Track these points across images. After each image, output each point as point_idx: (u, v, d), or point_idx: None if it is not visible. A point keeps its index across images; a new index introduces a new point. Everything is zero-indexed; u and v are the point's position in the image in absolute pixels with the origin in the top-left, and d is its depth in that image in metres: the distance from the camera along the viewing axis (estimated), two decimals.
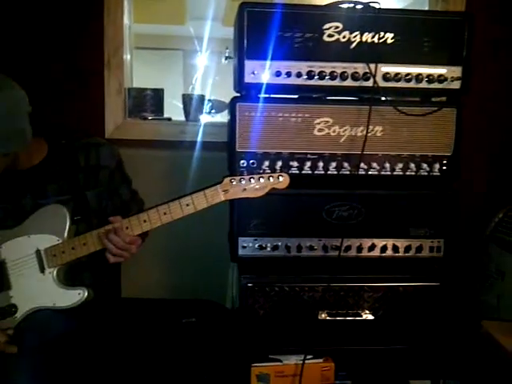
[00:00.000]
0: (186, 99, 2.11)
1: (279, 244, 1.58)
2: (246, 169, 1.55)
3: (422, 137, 1.59)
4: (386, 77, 1.55)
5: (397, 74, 1.55)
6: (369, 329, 1.59)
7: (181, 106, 2.19)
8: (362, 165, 1.57)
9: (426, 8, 2.22)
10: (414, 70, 1.55)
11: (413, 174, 1.60)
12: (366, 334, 1.59)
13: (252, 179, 1.39)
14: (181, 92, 2.25)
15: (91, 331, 1.50)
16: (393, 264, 1.62)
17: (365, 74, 1.54)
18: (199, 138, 2.06)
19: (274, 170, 1.55)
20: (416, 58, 1.55)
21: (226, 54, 3.27)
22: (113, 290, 1.77)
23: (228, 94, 2.35)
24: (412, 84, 1.56)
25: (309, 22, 1.52)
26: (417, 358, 1.68)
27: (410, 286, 1.59)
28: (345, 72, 1.53)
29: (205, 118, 2.29)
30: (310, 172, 1.57)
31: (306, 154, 1.57)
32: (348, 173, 1.57)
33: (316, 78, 1.53)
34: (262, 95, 1.54)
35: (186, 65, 4.63)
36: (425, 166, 1.60)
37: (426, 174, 1.60)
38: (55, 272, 1.40)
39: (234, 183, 1.39)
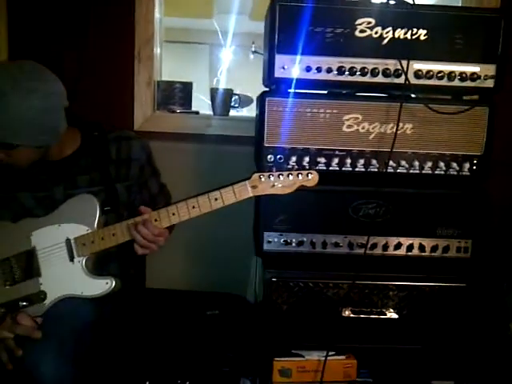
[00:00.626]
0: (214, 93, 2.11)
1: (304, 240, 1.58)
2: (273, 164, 1.55)
3: (452, 135, 1.56)
4: (417, 74, 1.53)
5: (429, 72, 1.53)
6: (392, 327, 1.58)
7: (205, 99, 2.20)
8: (391, 162, 1.55)
9: (459, 4, 2.18)
10: (447, 67, 1.53)
11: (442, 173, 1.58)
12: (390, 332, 1.58)
13: (281, 176, 1.39)
14: (206, 86, 2.26)
15: (117, 321, 1.53)
16: (418, 263, 1.60)
17: (396, 70, 1.52)
18: (226, 132, 2.07)
19: (301, 166, 1.55)
20: (449, 55, 1.53)
21: (253, 49, 3.28)
22: (138, 281, 1.79)
23: (252, 88, 2.37)
24: (444, 82, 1.54)
25: (341, 18, 1.50)
26: (440, 359, 1.66)
27: (436, 286, 1.57)
28: (376, 68, 1.52)
29: (231, 112, 2.30)
30: (337, 168, 1.56)
31: (334, 150, 1.56)
32: (376, 170, 1.56)
33: (346, 73, 1.52)
34: (292, 90, 1.54)
35: (212, 59, 4.64)
36: (454, 165, 1.57)
37: (455, 173, 1.58)
38: (84, 261, 1.42)
39: (262, 179, 1.39)
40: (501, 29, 1.51)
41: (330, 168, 1.56)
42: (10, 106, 1.27)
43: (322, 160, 1.56)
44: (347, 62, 1.52)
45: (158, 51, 2.11)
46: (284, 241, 1.58)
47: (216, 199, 1.40)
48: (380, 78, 1.53)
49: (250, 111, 2.49)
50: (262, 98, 1.55)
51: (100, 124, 1.54)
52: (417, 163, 1.57)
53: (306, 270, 1.57)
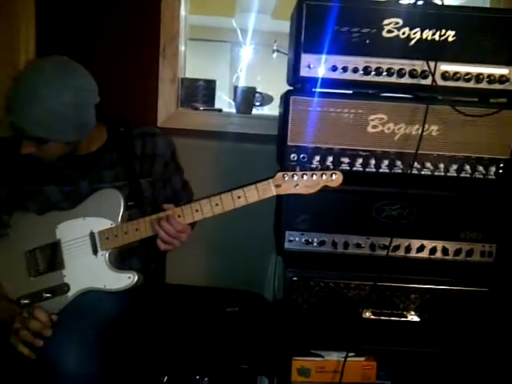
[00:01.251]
0: (237, 91, 2.11)
1: (326, 240, 1.57)
2: (296, 163, 1.54)
3: (478, 138, 1.54)
4: (444, 75, 1.51)
5: (456, 73, 1.51)
6: (413, 330, 1.56)
7: (226, 97, 2.20)
8: (416, 164, 1.54)
9: (488, 5, 2.15)
10: (475, 69, 1.51)
11: (467, 176, 1.56)
12: (410, 335, 1.57)
13: (305, 175, 1.38)
14: (227, 84, 2.27)
15: (138, 315, 1.54)
16: (441, 267, 1.59)
17: (423, 71, 1.50)
18: (249, 131, 2.07)
19: (324, 166, 1.54)
20: (477, 56, 1.50)
21: (275, 48, 3.27)
22: (159, 276, 1.81)
23: (273, 87, 2.36)
24: (471, 84, 1.52)
25: (368, 18, 1.49)
26: (460, 365, 1.64)
27: (458, 290, 1.55)
28: (402, 69, 1.50)
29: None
30: (361, 169, 1.55)
31: (358, 150, 1.55)
32: (400, 171, 1.55)
33: (373, 73, 1.51)
34: (318, 89, 1.53)
35: (233, 57, 4.65)
36: (480, 168, 1.55)
37: (481, 176, 1.56)
38: (107, 255, 1.43)
39: (286, 178, 1.39)
40: None
41: (354, 168, 1.55)
42: (42, 101, 1.28)
43: (346, 160, 1.55)
44: (373, 62, 1.51)
45: (182, 48, 2.12)
46: (305, 240, 1.57)
47: (239, 197, 1.40)
48: (406, 79, 1.51)
49: (271, 110, 2.49)
50: (286, 97, 1.55)
51: (126, 120, 1.55)
52: (442, 165, 1.55)
53: (327, 270, 1.56)
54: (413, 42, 1.50)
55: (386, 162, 1.55)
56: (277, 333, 1.63)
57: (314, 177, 1.39)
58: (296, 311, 1.56)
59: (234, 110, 2.26)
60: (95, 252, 1.43)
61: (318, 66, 1.51)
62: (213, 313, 1.75)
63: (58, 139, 1.36)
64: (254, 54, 4.32)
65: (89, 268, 1.43)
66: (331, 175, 1.39)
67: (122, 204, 1.44)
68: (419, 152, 1.52)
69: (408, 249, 1.57)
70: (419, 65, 1.51)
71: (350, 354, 1.55)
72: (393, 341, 1.57)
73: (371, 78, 1.52)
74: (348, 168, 1.55)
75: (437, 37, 1.49)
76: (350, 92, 1.61)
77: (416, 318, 1.55)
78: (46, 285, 1.44)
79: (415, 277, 1.56)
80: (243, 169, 2.02)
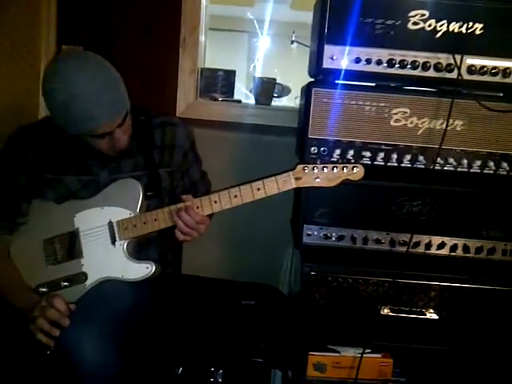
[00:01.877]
0: (257, 82, 2.09)
1: (345, 235, 1.56)
2: (316, 156, 1.52)
3: (503, 134, 1.50)
4: (470, 69, 1.47)
5: (482, 67, 1.47)
6: (431, 328, 1.54)
7: (242, 87, 2.19)
8: (439, 159, 1.51)
9: None
10: (502, 63, 1.47)
11: (491, 172, 1.52)
12: (428, 333, 1.55)
13: (325, 168, 1.37)
14: (244, 75, 2.25)
15: (154, 306, 1.54)
16: (462, 264, 1.56)
17: (448, 65, 1.47)
18: (267, 122, 2.05)
19: (345, 159, 1.52)
20: (505, 50, 1.47)
21: (293, 38, 3.24)
22: (175, 267, 1.80)
23: (291, 78, 2.34)
24: (498, 78, 1.48)
25: (393, 9, 1.46)
26: (478, 364, 1.62)
27: (479, 288, 1.52)
28: (427, 62, 1.47)
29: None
30: (382, 163, 1.53)
31: (380, 144, 1.52)
32: (423, 167, 1.52)
33: (397, 66, 1.48)
34: (341, 81, 1.51)
35: (250, 47, 4.62)
36: (505, 165, 1.52)
37: (505, 173, 1.52)
38: (125, 245, 1.43)
39: (306, 171, 1.37)
40: None
41: (375, 162, 1.52)
42: (101, 83, 1.29)
43: (367, 154, 1.52)
44: (398, 54, 1.48)
45: (202, 39, 2.11)
46: (324, 234, 1.56)
47: (258, 189, 1.39)
48: (431, 73, 1.48)
49: (287, 101, 2.46)
50: (308, 89, 1.52)
51: (145, 109, 1.54)
52: (465, 161, 1.52)
53: (345, 266, 1.55)
54: (439, 35, 1.46)
55: (408, 157, 1.52)
56: (293, 327, 1.62)
57: (335, 170, 1.37)
58: (313, 306, 1.55)
59: (250, 101, 2.24)
60: (113, 242, 1.43)
61: (341, 58, 1.48)
62: (228, 305, 1.75)
63: (128, 107, 1.38)
64: (271, 45, 4.29)
65: (107, 257, 1.43)
66: (352, 168, 1.37)
67: (141, 194, 1.44)
68: (442, 147, 1.49)
69: (428, 245, 1.55)
70: (444, 58, 1.48)
71: (367, 351, 1.53)
72: (410, 338, 1.55)
73: (395, 70, 1.49)
74: (369, 162, 1.52)
75: (464, 29, 1.46)
76: (373, 85, 1.58)
77: (435, 316, 1.53)
78: (64, 273, 1.44)
79: (435, 274, 1.54)
80: (261, 161, 2.00)
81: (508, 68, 1.47)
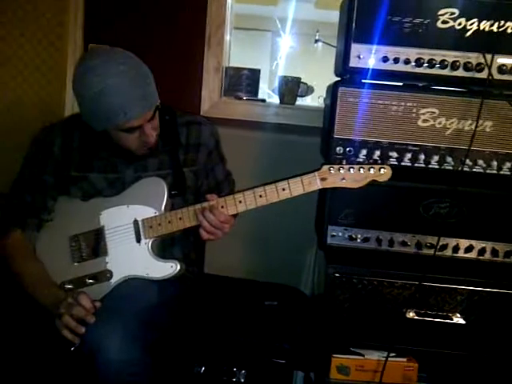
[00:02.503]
0: (282, 81, 2.08)
1: (370, 236, 1.53)
2: (342, 156, 1.50)
3: None
4: (501, 69, 1.44)
5: None
6: (458, 333, 1.51)
7: (265, 87, 2.18)
8: (467, 161, 1.47)
9: None
10: None
11: None
12: (455, 338, 1.52)
13: (352, 169, 1.35)
14: (266, 74, 2.24)
15: (178, 304, 1.54)
16: (490, 268, 1.53)
17: (478, 64, 1.44)
18: (291, 121, 2.04)
19: (371, 160, 1.50)
20: None
21: (317, 37, 3.21)
22: (198, 266, 1.80)
23: (313, 77, 2.32)
24: None
25: (422, 7, 1.44)
26: (506, 371, 1.58)
27: (507, 293, 1.49)
28: (457, 61, 1.44)
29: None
30: (409, 164, 1.50)
31: (407, 145, 1.50)
32: (451, 168, 1.49)
33: (425, 65, 1.46)
34: (367, 81, 1.49)
35: (273, 46, 4.61)
36: None
37: None
38: (150, 243, 1.43)
39: (332, 172, 1.36)
40: None
41: (402, 163, 1.50)
42: (132, 78, 1.31)
43: (394, 155, 1.50)
44: (426, 53, 1.46)
45: (227, 37, 2.10)
46: (349, 236, 1.54)
47: (283, 189, 1.38)
48: (460, 72, 1.45)
49: (311, 101, 2.44)
50: (334, 88, 1.50)
51: (171, 108, 1.54)
52: (495, 163, 1.48)
53: (370, 268, 1.53)
54: (469, 34, 1.43)
55: (435, 158, 1.49)
56: (316, 329, 1.61)
57: (362, 170, 1.35)
58: (337, 308, 1.53)
59: (272, 100, 2.23)
60: (138, 240, 1.43)
61: (369, 57, 1.47)
62: (251, 306, 1.74)
63: (158, 102, 1.40)
64: (294, 44, 4.27)
65: (132, 256, 1.43)
66: (380, 169, 1.35)
67: (166, 193, 1.44)
68: (472, 148, 1.46)
69: (456, 249, 1.52)
70: (474, 57, 1.44)
71: (391, 354, 1.51)
72: (436, 343, 1.53)
73: (423, 70, 1.46)
74: (396, 163, 1.50)
75: (495, 28, 1.43)
76: (400, 84, 1.55)
77: (461, 321, 1.50)
78: (90, 271, 1.45)
79: (462, 278, 1.51)
80: (285, 160, 1.99)
81: None
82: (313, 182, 1.36)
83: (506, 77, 1.45)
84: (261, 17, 4.41)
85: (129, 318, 1.28)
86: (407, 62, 1.46)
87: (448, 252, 1.52)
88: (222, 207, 1.39)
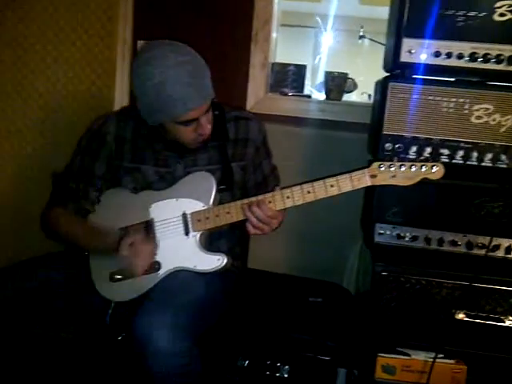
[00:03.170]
0: (328, 77, 2.06)
1: (419, 235, 1.51)
2: (391, 153, 1.48)
3: None
4: None
5: None
6: (510, 336, 1.47)
7: (308, 84, 2.17)
8: None
9: None
10: None
11: None
12: (506, 341, 1.47)
13: (403, 166, 1.32)
14: (309, 69, 2.22)
15: (223, 298, 1.55)
16: None
17: None
18: (337, 118, 2.02)
19: (421, 157, 1.47)
20: None
21: (361, 33, 3.17)
22: (242, 260, 1.81)
23: (356, 73, 2.29)
24: None
25: (478, 0, 1.40)
26: None
27: None
28: None
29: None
30: (461, 162, 1.47)
31: (460, 142, 1.46)
32: (505, 166, 1.45)
33: (479, 60, 1.42)
34: (419, 76, 1.46)
35: (316, 43, 4.57)
36: None
37: None
38: (198, 236, 1.45)
39: (382, 169, 1.33)
40: None
41: (454, 161, 1.47)
42: (195, 69, 1.35)
43: (445, 152, 1.47)
44: (481, 47, 1.42)
45: (273, 33, 2.10)
46: (397, 234, 1.51)
47: (332, 186, 1.36)
48: None
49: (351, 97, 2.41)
50: (384, 83, 1.48)
51: (220, 104, 1.55)
52: None
53: (419, 267, 1.50)
54: None
55: (489, 156, 1.46)
56: (362, 327, 1.59)
57: (413, 168, 1.32)
58: (383, 306, 1.51)
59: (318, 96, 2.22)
60: (187, 233, 1.45)
61: (420, 52, 1.44)
62: (295, 302, 1.74)
63: (213, 95, 1.42)
64: (338, 40, 4.23)
65: (180, 248, 1.45)
66: (432, 167, 1.32)
67: (215, 187, 1.45)
68: None
69: (509, 249, 1.48)
70: None
71: (439, 356, 1.48)
72: (486, 346, 1.49)
73: (477, 64, 1.43)
74: (447, 160, 1.47)
75: None
76: (452, 79, 1.51)
77: None
78: None
79: None
80: (331, 157, 1.98)
81: None
82: (362, 179, 1.34)
83: None
84: (304, 13, 4.39)
85: (178, 310, 1.30)
86: (460, 56, 1.43)
87: (500, 253, 1.48)
88: (270, 202, 1.39)
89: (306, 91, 2.38)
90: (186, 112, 1.35)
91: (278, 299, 1.76)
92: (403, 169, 1.33)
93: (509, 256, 1.48)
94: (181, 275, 1.43)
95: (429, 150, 1.47)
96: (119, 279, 1.48)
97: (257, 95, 2.06)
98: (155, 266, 1.45)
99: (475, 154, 1.46)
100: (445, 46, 1.43)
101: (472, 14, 1.41)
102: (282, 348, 1.56)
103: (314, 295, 1.76)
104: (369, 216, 1.57)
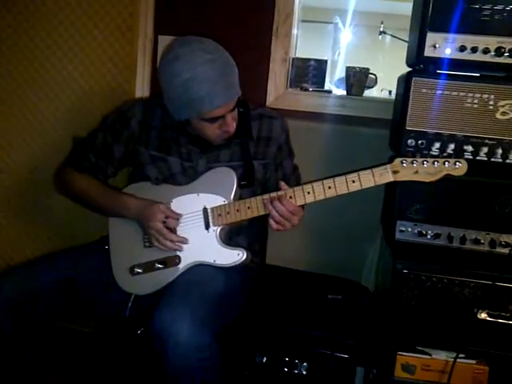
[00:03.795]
0: (350, 72, 2.04)
1: (441, 233, 1.48)
2: (413, 149, 1.46)
3: None
4: None
5: None
6: None
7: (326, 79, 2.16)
8: None
9: None
10: None
11: None
12: None
13: (425, 163, 1.31)
14: (328, 65, 2.20)
15: (244, 293, 1.55)
16: None
17: None
18: (358, 113, 1.99)
19: (445, 153, 1.44)
20: None
21: (381, 29, 3.13)
22: (261, 256, 1.81)
23: (375, 69, 2.25)
24: None
25: None
26: None
27: None
28: None
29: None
30: (485, 159, 1.44)
31: (484, 138, 1.43)
32: None
33: (506, 55, 1.39)
34: (443, 71, 1.43)
35: (336, 38, 4.54)
36: None
37: None
38: (219, 230, 1.45)
39: (405, 165, 1.32)
40: None
41: (478, 158, 1.44)
42: (222, 66, 1.35)
43: (469, 148, 1.44)
44: (508, 42, 1.39)
45: (294, 28, 2.08)
46: (418, 231, 1.49)
47: (353, 181, 1.35)
48: None
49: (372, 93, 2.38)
50: (407, 78, 1.46)
51: (245, 101, 1.55)
52: None
53: (441, 265, 1.47)
54: None
55: None
56: (381, 325, 1.58)
57: (436, 164, 1.30)
58: (403, 305, 1.49)
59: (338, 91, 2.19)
60: (207, 227, 1.45)
61: (445, 46, 1.41)
62: (314, 299, 1.73)
63: (240, 93, 1.43)
64: (357, 36, 4.18)
65: (200, 242, 1.46)
66: (455, 163, 1.30)
67: (236, 183, 1.45)
68: None
69: None
70: None
71: (460, 356, 1.46)
72: (509, 346, 1.46)
73: (503, 59, 1.40)
74: (471, 157, 1.44)
75: None
76: (477, 75, 1.49)
77: None
78: (159, 256, 1.48)
79: None
80: (350, 153, 1.96)
81: None
82: (384, 175, 1.33)
83: None
84: (323, 9, 4.35)
85: (198, 304, 1.30)
86: (486, 51, 1.40)
87: None
88: (291, 197, 1.38)
89: (325, 87, 2.36)
90: (213, 109, 1.35)
91: (297, 296, 1.75)
92: (426, 165, 1.31)
93: None
94: (200, 270, 1.44)
95: (452, 146, 1.44)
96: (139, 272, 1.49)
97: (277, 90, 2.04)
98: (175, 261, 1.46)
99: (500, 151, 1.43)
100: (470, 40, 1.40)
101: (499, 7, 1.38)
102: (300, 345, 1.55)
103: (333, 292, 1.75)
104: (390, 213, 1.55)
